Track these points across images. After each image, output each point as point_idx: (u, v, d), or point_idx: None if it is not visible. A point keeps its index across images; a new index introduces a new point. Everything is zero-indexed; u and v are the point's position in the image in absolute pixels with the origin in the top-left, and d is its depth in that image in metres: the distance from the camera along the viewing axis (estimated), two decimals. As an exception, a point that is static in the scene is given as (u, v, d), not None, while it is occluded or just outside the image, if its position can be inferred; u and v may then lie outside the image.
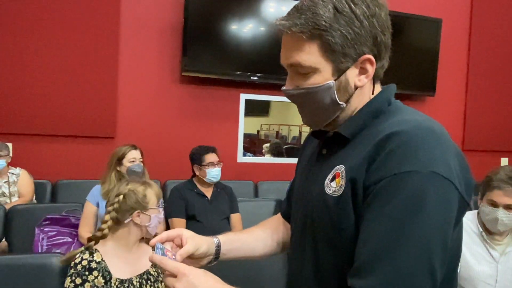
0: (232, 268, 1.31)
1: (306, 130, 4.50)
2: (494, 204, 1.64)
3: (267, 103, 4.18)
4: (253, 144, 4.22)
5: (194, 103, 3.80)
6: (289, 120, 4.37)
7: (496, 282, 1.68)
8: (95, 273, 1.37)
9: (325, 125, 0.80)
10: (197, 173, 2.69)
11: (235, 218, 2.71)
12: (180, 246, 0.85)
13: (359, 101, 0.77)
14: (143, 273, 1.47)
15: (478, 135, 4.79)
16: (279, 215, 1.05)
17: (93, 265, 1.38)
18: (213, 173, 2.63)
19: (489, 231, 1.70)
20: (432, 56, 4.40)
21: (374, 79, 0.78)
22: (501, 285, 1.68)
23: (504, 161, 4.98)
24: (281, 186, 3.84)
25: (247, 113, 4.07)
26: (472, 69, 4.76)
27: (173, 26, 3.63)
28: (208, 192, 2.68)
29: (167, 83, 3.70)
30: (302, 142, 4.60)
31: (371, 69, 0.75)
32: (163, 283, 1.43)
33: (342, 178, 0.71)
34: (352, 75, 0.75)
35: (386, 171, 0.65)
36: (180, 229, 0.86)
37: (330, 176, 0.74)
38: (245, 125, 4.08)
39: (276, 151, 4.28)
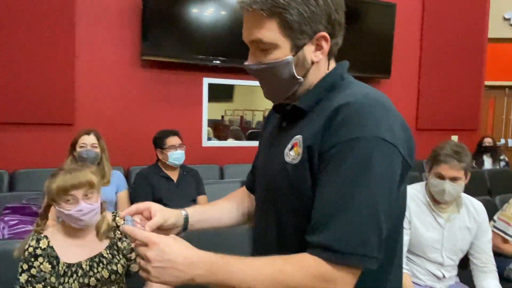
0: (200, 235, 1.36)
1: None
2: (441, 177, 1.78)
3: (230, 88, 4.19)
4: (217, 130, 4.25)
5: (157, 87, 3.76)
6: (253, 105, 4.42)
7: (442, 246, 1.84)
8: (40, 259, 1.39)
9: (285, 98, 0.86)
10: (160, 157, 2.69)
11: (202, 200, 2.75)
12: (149, 218, 0.88)
13: (315, 76, 0.84)
14: (95, 256, 1.46)
15: (430, 115, 5.06)
16: (244, 188, 1.11)
17: (38, 251, 1.39)
18: (175, 156, 2.63)
19: (436, 201, 1.85)
20: (387, 40, 4.57)
21: (329, 56, 0.85)
22: (446, 248, 1.84)
23: (454, 138, 5.30)
24: (246, 168, 3.82)
25: (211, 99, 4.07)
26: (424, 52, 4.99)
27: (131, 8, 3.54)
28: (174, 176, 2.70)
29: (127, 67, 3.62)
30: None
31: (326, 46, 0.81)
32: (118, 265, 1.47)
33: (299, 147, 0.78)
34: (309, 51, 0.80)
35: (337, 138, 0.72)
36: (149, 203, 0.89)
37: (289, 146, 0.81)
38: (209, 110, 4.08)
39: (237, 137, 4.33)
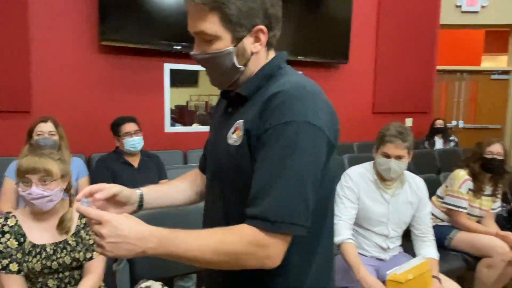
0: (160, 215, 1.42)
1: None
2: (387, 156, 1.93)
3: (195, 73, 4.19)
4: (182, 115, 4.26)
5: (117, 73, 3.71)
6: (219, 91, 4.46)
7: (388, 220, 2.01)
8: (7, 235, 1.47)
9: (229, 86, 0.94)
10: (117, 144, 2.70)
11: (164, 184, 2.78)
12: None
13: (255, 65, 0.92)
14: (60, 242, 1.52)
15: (386, 99, 5.29)
16: (197, 169, 1.18)
17: (6, 228, 1.48)
18: (130, 143, 2.64)
19: (382, 178, 2.00)
20: (345, 26, 4.70)
21: (268, 47, 0.93)
22: (391, 221, 2.01)
23: (409, 121, 5.58)
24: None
25: (175, 84, 4.06)
26: (380, 38, 5.18)
27: (87, -9, 3.46)
28: (135, 161, 2.72)
29: (85, 52, 3.55)
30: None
31: (263, 38, 0.89)
32: (80, 253, 1.54)
33: (240, 131, 0.86)
34: (248, 42, 0.88)
35: (271, 123, 0.81)
36: (102, 184, 0.94)
37: (232, 129, 0.89)
38: (174, 95, 4.08)
39: (203, 123, 4.37)
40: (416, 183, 2.04)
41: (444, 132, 5.22)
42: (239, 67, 0.89)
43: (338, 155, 4.04)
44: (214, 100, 4.53)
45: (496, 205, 2.50)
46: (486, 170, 2.43)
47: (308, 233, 0.82)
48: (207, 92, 4.44)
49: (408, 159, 1.94)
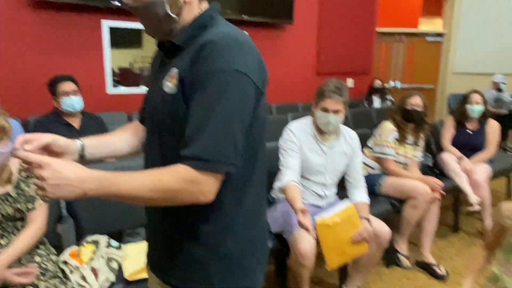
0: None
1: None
2: (326, 110, 2.05)
3: (138, 33, 4.04)
4: (126, 77, 4.13)
5: (50, 31, 3.49)
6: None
7: (326, 170, 2.16)
8: None
9: (164, 35, 0.96)
10: (54, 104, 2.60)
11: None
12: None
13: (189, 15, 0.95)
14: (2, 194, 1.53)
15: (328, 60, 5.46)
16: (136, 121, 1.21)
17: None
18: (69, 103, 2.55)
19: (321, 132, 2.14)
20: (289, -15, 4.71)
21: None
22: (329, 171, 2.16)
23: (350, 81, 5.83)
24: (155, 115, 3.91)
25: (117, 45, 3.90)
26: (323, 0, 5.26)
27: None
28: (76, 122, 2.65)
29: (15, 8, 3.29)
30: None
31: None
32: (21, 204, 1.55)
33: (175, 79, 0.90)
34: None
35: (202, 71, 0.85)
36: (35, 133, 0.93)
37: (167, 78, 0.93)
38: (116, 57, 3.93)
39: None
40: (350, 135, 2.20)
41: (382, 92, 5.53)
42: (173, 17, 0.92)
43: (283, 115, 4.17)
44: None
45: (418, 154, 2.77)
46: (407, 120, 2.68)
47: (239, 174, 0.90)
48: (151, 54, 4.31)
49: (344, 113, 2.08)
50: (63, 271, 1.60)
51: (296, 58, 5.20)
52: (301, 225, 1.70)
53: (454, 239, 3.08)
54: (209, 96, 0.84)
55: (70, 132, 2.60)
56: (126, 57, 4.07)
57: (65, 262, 1.61)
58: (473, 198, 2.89)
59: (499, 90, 5.71)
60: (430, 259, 2.58)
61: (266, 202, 1.12)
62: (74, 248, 1.70)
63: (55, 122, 2.58)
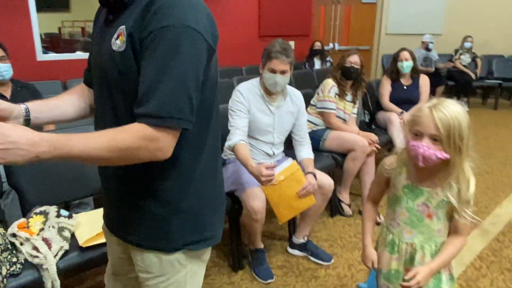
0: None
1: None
2: (273, 71, 2.09)
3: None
4: (55, 43, 3.84)
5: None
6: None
7: (274, 129, 2.24)
8: None
9: None
10: None
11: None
12: None
13: None
14: None
15: (270, 23, 5.46)
16: (82, 83, 1.17)
17: None
18: None
19: (268, 92, 2.19)
20: None
21: None
22: (276, 130, 2.25)
23: (291, 44, 5.89)
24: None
25: (42, 8, 3.59)
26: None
27: None
28: (6, 92, 2.47)
29: None
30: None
31: None
32: None
33: (123, 36, 0.88)
34: None
35: (152, 27, 0.84)
36: None
37: (115, 36, 0.90)
38: (43, 22, 3.62)
39: (86, 50, 4.01)
40: (296, 95, 2.29)
41: (322, 54, 5.68)
42: None
43: (229, 78, 4.16)
44: (91, 27, 4.15)
45: (355, 110, 2.96)
46: (346, 77, 2.85)
47: (195, 132, 0.92)
48: (81, 18, 4.03)
49: (290, 73, 2.14)
50: (13, 244, 1.55)
51: (239, 21, 5.15)
52: (268, 178, 1.87)
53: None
54: (162, 52, 0.84)
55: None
56: (54, 22, 3.78)
57: (14, 235, 1.56)
58: None
59: (427, 49, 6.11)
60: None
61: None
62: (21, 220, 1.64)
63: (-17, 92, 2.39)
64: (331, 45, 7.33)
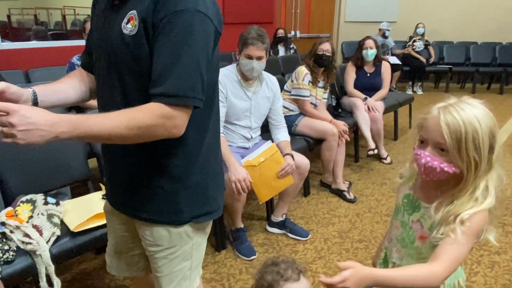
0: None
1: (70, 13, 4.14)
2: (250, 57, 2.17)
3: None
4: (6, 32, 3.67)
5: None
6: (47, 3, 3.89)
7: (251, 114, 2.32)
8: None
9: None
10: None
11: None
12: None
13: None
14: None
15: (234, 10, 5.49)
16: (80, 68, 1.19)
17: None
18: None
19: (245, 78, 2.26)
20: None
21: None
22: (253, 114, 2.33)
23: (255, 31, 5.95)
24: (56, 71, 3.61)
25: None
26: None
27: None
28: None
29: None
30: (67, 27, 4.32)
31: None
32: None
33: (135, 20, 0.93)
34: None
35: (166, 11, 0.90)
36: None
37: (125, 20, 0.94)
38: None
39: (42, 38, 3.86)
40: (271, 80, 2.38)
41: (285, 41, 5.79)
42: None
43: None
44: (42, 14, 3.96)
45: (326, 96, 3.10)
46: (318, 65, 2.95)
47: (201, 111, 0.99)
48: (32, 5, 3.86)
49: (266, 58, 2.22)
50: (2, 233, 1.55)
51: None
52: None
53: (355, 167, 3.57)
54: (177, 35, 0.90)
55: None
56: (1, 9, 3.61)
57: (3, 223, 1.55)
58: (371, 144, 3.37)
59: (384, 36, 6.40)
60: (342, 186, 3.00)
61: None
62: (9, 209, 1.63)
63: None
64: (292, 33, 7.47)
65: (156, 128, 0.90)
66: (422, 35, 6.70)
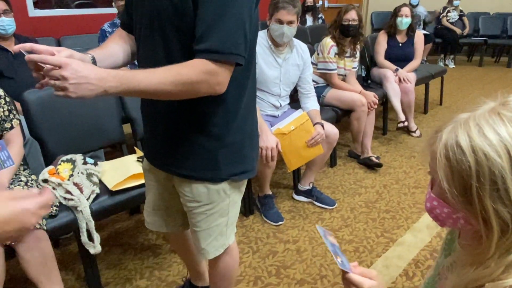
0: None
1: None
2: (280, 22, 2.14)
3: None
4: (36, 1, 3.72)
5: None
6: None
7: (280, 81, 2.32)
8: None
9: None
10: None
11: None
12: None
13: None
14: None
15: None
16: (120, 29, 1.21)
17: None
18: None
19: (276, 44, 2.24)
20: None
21: None
22: (283, 82, 2.32)
23: None
24: (87, 39, 3.67)
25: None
26: None
27: None
28: (11, 46, 2.43)
29: None
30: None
31: None
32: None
33: None
34: None
35: None
36: (47, 46, 0.92)
37: None
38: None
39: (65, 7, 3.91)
40: (302, 48, 2.35)
41: (314, 10, 5.66)
42: None
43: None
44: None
45: (354, 64, 3.03)
46: (344, 35, 2.86)
47: (241, 70, 1.00)
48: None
49: (297, 24, 2.19)
50: (45, 189, 1.63)
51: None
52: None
53: (383, 140, 3.53)
54: None
55: (6, 57, 2.40)
56: None
57: (46, 181, 1.64)
58: (401, 116, 3.31)
59: (412, 5, 6.13)
60: (370, 154, 2.99)
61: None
62: (51, 167, 1.71)
63: (-13, 47, 2.36)
64: (320, 2, 7.27)
65: (200, 84, 0.92)
66: (457, 6, 6.40)
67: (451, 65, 6.57)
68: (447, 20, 6.39)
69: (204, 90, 0.94)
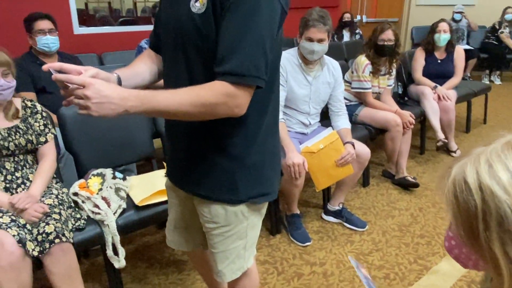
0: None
1: (141, 0, 4.33)
2: (311, 40, 2.12)
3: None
4: (82, 19, 3.93)
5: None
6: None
7: (310, 99, 2.28)
8: None
9: None
10: (30, 42, 2.51)
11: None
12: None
13: None
14: (12, 127, 1.61)
15: (299, -7, 5.38)
16: (148, 50, 1.24)
17: None
18: (44, 41, 2.46)
19: (306, 62, 2.22)
20: None
21: None
22: (312, 100, 2.29)
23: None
24: (126, 55, 3.81)
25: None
26: None
27: None
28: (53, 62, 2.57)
29: None
30: (138, 14, 4.48)
31: None
32: (32, 136, 1.63)
33: None
34: None
35: None
36: (76, 66, 0.95)
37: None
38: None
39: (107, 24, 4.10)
40: (333, 65, 2.31)
41: (351, 26, 5.59)
42: None
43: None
44: (116, 3, 4.20)
45: (390, 82, 2.93)
46: (379, 55, 2.78)
47: (262, 90, 0.98)
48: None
49: (328, 41, 2.16)
50: (75, 202, 1.68)
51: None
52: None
53: (420, 159, 3.39)
54: (242, 14, 0.90)
55: (48, 73, 2.52)
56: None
57: (76, 194, 1.69)
58: (440, 134, 3.17)
59: (454, 20, 5.91)
60: (405, 174, 2.87)
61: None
62: (81, 181, 1.76)
63: (32, 63, 2.49)
64: (358, 17, 7.18)
65: (219, 106, 0.92)
66: (510, 21, 6.07)
67: (497, 82, 6.24)
68: (505, 36, 6.04)
69: (223, 112, 0.93)
